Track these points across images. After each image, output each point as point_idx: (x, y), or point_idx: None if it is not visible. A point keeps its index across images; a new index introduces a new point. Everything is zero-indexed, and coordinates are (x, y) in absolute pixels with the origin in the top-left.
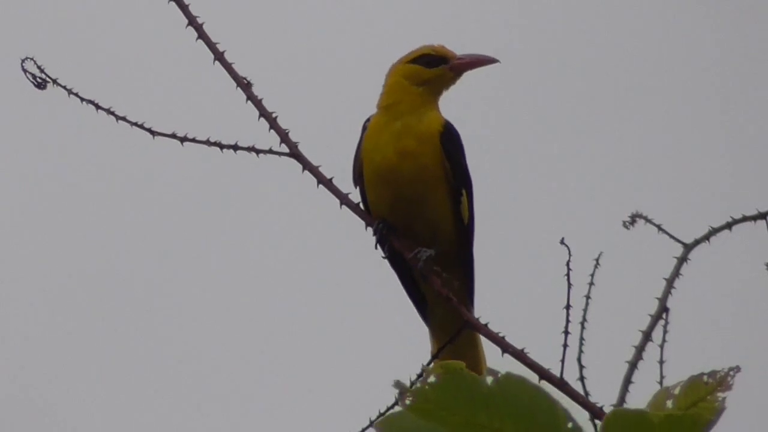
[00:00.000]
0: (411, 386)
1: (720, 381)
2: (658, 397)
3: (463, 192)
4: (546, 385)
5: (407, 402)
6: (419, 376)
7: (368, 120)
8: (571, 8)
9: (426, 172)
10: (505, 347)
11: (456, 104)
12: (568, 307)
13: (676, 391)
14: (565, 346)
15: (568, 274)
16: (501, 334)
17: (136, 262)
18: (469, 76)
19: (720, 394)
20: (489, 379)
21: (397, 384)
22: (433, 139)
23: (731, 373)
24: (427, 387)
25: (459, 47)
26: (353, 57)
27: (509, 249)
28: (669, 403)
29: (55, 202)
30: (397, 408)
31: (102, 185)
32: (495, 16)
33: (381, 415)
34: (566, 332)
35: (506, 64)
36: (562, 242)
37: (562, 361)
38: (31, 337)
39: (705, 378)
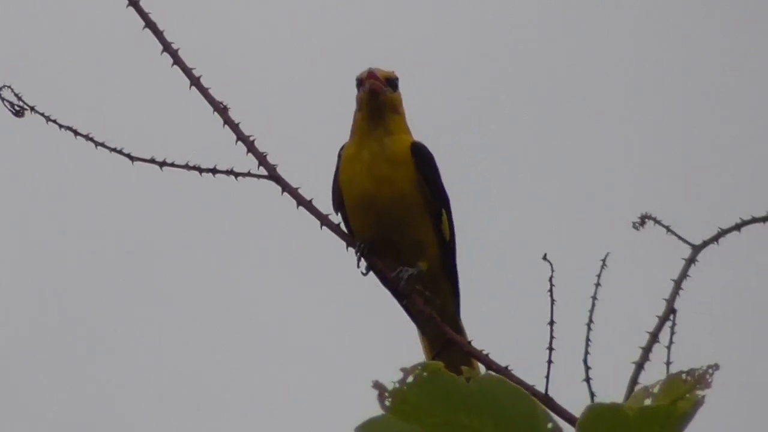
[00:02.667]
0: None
1: (699, 379)
2: (637, 396)
3: (443, 211)
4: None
5: (386, 404)
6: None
7: (343, 148)
8: (576, 7)
9: (405, 197)
10: (489, 365)
11: (456, 107)
12: (551, 323)
13: (655, 389)
14: (549, 362)
15: (551, 290)
16: (485, 352)
17: (113, 285)
18: (464, 80)
19: (699, 392)
20: (468, 379)
21: (376, 385)
22: (406, 162)
23: (710, 371)
24: (405, 388)
25: (455, 50)
26: (333, 74)
27: (506, 258)
28: (648, 402)
29: (34, 226)
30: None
31: (83, 210)
32: (493, 16)
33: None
34: (550, 348)
35: (508, 64)
36: (544, 258)
37: (547, 377)
38: (30, 338)
39: (684, 376)
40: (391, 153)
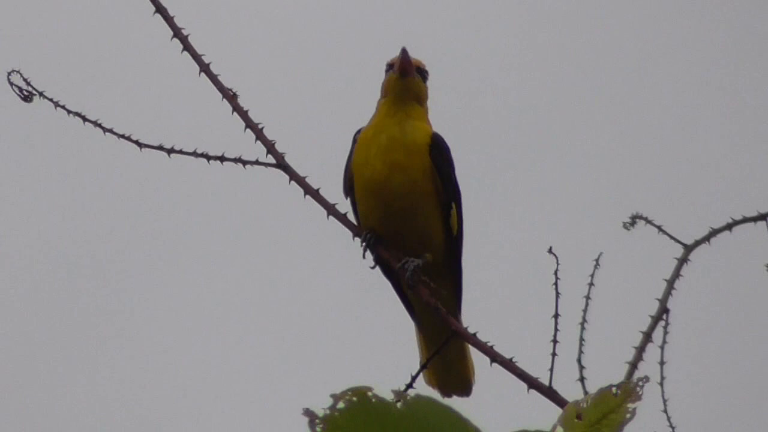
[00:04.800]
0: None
1: (629, 392)
2: (567, 412)
3: (453, 205)
4: (534, 394)
5: (318, 429)
6: (408, 386)
7: (359, 132)
8: (571, 3)
9: (416, 186)
10: (494, 356)
11: (451, 106)
12: (556, 316)
13: (586, 404)
14: (553, 355)
15: (556, 284)
16: (489, 344)
17: (122, 271)
18: (466, 77)
19: (630, 405)
20: (398, 402)
21: (307, 412)
22: (422, 151)
23: (640, 383)
24: (336, 413)
25: (455, 48)
26: (342, 64)
27: (503, 255)
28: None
29: (43, 212)
30: None
31: (91, 196)
32: (493, 15)
33: None
34: (554, 341)
35: (499, 61)
36: (550, 251)
37: (551, 370)
38: (27, 337)
39: (614, 390)
40: (410, 140)
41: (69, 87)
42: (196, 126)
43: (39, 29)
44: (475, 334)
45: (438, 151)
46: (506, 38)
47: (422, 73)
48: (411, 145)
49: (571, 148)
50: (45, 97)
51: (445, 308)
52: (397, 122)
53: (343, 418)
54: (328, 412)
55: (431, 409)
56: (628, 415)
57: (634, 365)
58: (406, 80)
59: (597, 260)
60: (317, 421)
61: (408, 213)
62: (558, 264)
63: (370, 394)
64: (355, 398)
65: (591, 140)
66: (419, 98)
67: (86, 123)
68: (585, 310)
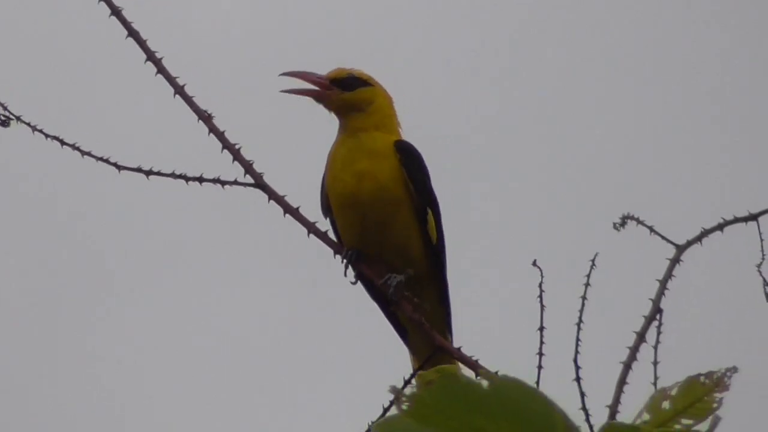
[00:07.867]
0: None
1: (717, 382)
2: (654, 399)
3: (429, 211)
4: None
5: (403, 407)
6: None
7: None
8: (566, 7)
9: (386, 192)
10: (478, 371)
11: (441, 108)
12: (541, 329)
13: (673, 392)
14: (539, 368)
15: (540, 296)
16: (474, 358)
17: (104, 289)
18: (452, 82)
19: (717, 395)
20: (485, 382)
21: (393, 389)
22: (387, 156)
23: (728, 373)
24: (423, 391)
25: (443, 49)
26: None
27: (492, 264)
28: (666, 404)
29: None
30: (394, 412)
31: (70, 219)
32: (484, 17)
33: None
34: (540, 354)
35: (490, 62)
36: (534, 264)
37: (537, 383)
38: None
39: (702, 379)
40: (371, 147)
41: (46, 111)
42: (174, 147)
43: (13, 53)
44: (459, 349)
45: (406, 155)
46: (495, 38)
47: (343, 82)
48: (373, 151)
49: (561, 148)
50: (22, 121)
51: (431, 322)
52: (350, 135)
53: (430, 397)
54: (415, 390)
55: (518, 390)
56: (715, 405)
57: (627, 365)
58: (323, 102)
59: (593, 260)
60: (404, 398)
61: (383, 222)
62: (542, 276)
63: (458, 373)
64: (442, 376)
65: (582, 141)
66: (355, 107)
67: (64, 146)
68: (581, 311)
